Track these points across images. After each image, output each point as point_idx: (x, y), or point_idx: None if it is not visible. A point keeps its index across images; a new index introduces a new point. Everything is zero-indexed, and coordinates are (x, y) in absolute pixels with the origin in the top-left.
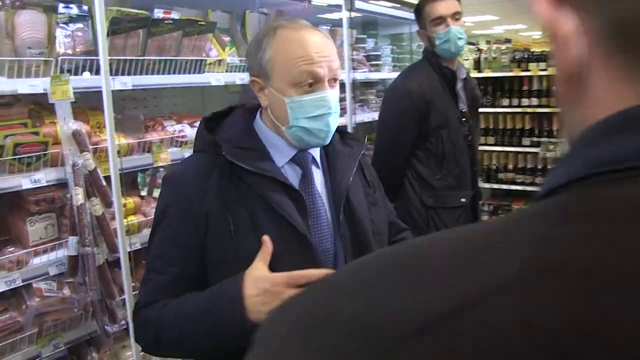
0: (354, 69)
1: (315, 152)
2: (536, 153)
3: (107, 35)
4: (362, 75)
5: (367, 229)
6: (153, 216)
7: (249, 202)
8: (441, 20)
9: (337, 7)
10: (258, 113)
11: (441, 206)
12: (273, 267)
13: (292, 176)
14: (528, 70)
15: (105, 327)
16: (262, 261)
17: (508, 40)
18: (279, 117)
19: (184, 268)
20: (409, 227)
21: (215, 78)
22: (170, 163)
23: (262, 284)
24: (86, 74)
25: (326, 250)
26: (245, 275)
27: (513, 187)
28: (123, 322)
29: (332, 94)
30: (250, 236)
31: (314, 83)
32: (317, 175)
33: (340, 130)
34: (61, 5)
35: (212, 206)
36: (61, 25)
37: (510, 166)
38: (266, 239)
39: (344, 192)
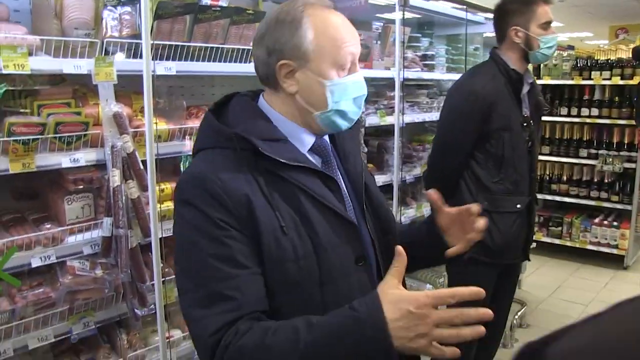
0: (405, 67)
1: (325, 137)
2: (593, 165)
3: (154, 20)
4: (414, 74)
5: (386, 210)
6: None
7: (289, 197)
8: (549, 24)
9: (391, 5)
10: (262, 101)
11: (496, 210)
12: (329, 260)
13: (317, 164)
14: (590, 79)
15: (135, 309)
16: (396, 277)
17: (571, 47)
18: (313, 102)
19: (252, 264)
20: None
21: None
22: None
23: (404, 305)
24: (119, 56)
25: (364, 236)
26: (381, 294)
27: (566, 199)
28: (152, 306)
29: (361, 75)
30: (302, 232)
31: (350, 65)
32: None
33: None
34: None
35: (258, 203)
36: (109, 7)
37: (565, 177)
38: (400, 249)
39: (360, 176)
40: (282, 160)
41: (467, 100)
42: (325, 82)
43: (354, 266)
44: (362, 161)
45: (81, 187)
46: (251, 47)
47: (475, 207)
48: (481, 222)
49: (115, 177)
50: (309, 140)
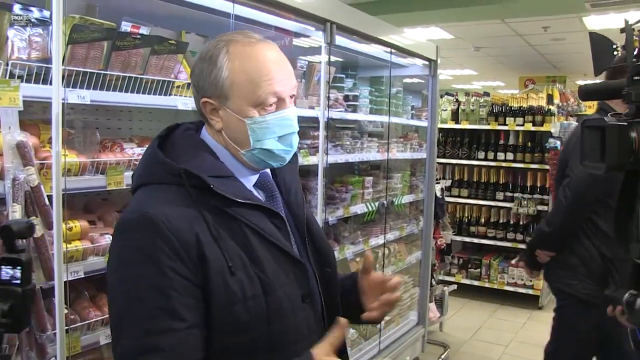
0: (330, 107)
1: (267, 170)
2: (509, 208)
3: (67, 44)
4: (338, 114)
5: (326, 243)
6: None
7: (237, 235)
8: None
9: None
10: (205, 133)
11: (617, 258)
12: (277, 299)
13: (263, 201)
14: (505, 125)
15: None
16: (331, 345)
17: (487, 94)
18: (236, 140)
19: (193, 316)
20: (583, 275)
21: (182, 102)
22: (125, 187)
23: None
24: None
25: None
26: (315, 359)
27: (484, 241)
28: (53, 359)
29: (293, 112)
30: (250, 271)
31: (276, 103)
32: None
33: None
34: (18, 6)
35: (207, 243)
36: (16, 27)
37: (483, 220)
38: (343, 321)
39: (302, 209)
40: (232, 198)
41: None
42: (245, 120)
43: (300, 304)
44: (302, 195)
45: None
46: (172, 79)
47: (395, 281)
48: (392, 296)
49: (15, 212)
50: (252, 176)
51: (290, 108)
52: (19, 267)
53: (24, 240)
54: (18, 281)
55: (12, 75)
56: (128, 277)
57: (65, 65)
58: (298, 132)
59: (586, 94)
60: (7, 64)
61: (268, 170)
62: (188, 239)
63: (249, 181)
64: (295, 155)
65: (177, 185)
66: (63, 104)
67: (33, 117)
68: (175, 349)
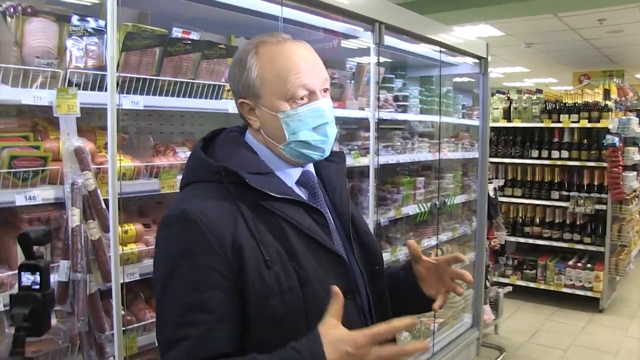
0: (379, 107)
1: (311, 168)
2: (565, 207)
3: (121, 51)
4: (388, 115)
5: (373, 242)
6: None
7: (276, 230)
8: None
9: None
10: (248, 135)
11: None
12: (315, 293)
13: (304, 197)
14: (559, 122)
15: None
16: (334, 317)
17: (539, 91)
18: (274, 136)
19: (223, 311)
20: None
21: (233, 105)
22: (178, 191)
23: (342, 346)
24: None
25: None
26: (322, 335)
27: (539, 241)
28: (112, 358)
29: (325, 103)
30: (287, 265)
31: (307, 96)
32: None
33: None
34: (75, 17)
35: (243, 238)
36: (74, 37)
37: (537, 220)
38: (337, 290)
39: (347, 208)
40: (270, 193)
41: None
42: (278, 114)
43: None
44: (347, 194)
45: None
46: (222, 83)
47: (459, 257)
48: (466, 275)
49: (74, 216)
50: (294, 173)
51: (321, 100)
52: (37, 273)
53: (42, 247)
54: (37, 286)
55: (70, 84)
56: (165, 270)
57: (119, 72)
58: (348, 133)
59: None
60: (66, 73)
61: (312, 170)
62: (224, 235)
63: (291, 178)
64: (342, 157)
65: (217, 182)
66: (118, 109)
67: (90, 124)
68: (201, 340)
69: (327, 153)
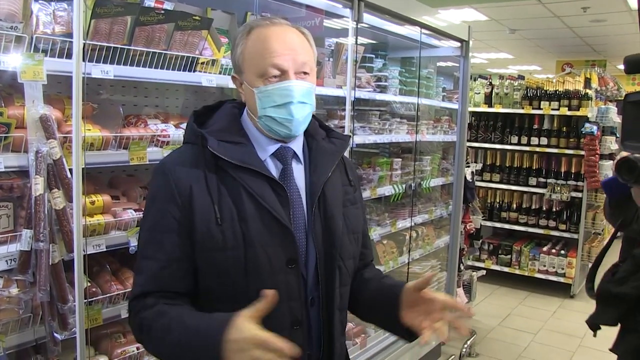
0: (358, 87)
1: (298, 147)
2: (542, 194)
3: (91, 18)
4: (366, 94)
5: (337, 225)
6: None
7: (233, 194)
8: None
9: (347, 29)
10: (245, 109)
11: None
12: (256, 255)
13: (274, 170)
14: (540, 109)
15: (54, 333)
16: (254, 312)
17: (521, 77)
18: (252, 109)
19: (175, 252)
20: None
21: (207, 78)
22: (147, 163)
23: (240, 335)
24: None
25: (300, 242)
26: (236, 319)
27: (515, 227)
28: (74, 329)
29: (297, 84)
30: (236, 226)
31: (280, 75)
32: (299, 170)
33: (328, 128)
34: None
35: (199, 194)
36: (41, 2)
37: (514, 205)
38: (269, 292)
39: (320, 186)
40: (230, 160)
41: None
42: (254, 89)
43: (284, 267)
44: (327, 174)
45: None
46: (196, 55)
47: (469, 311)
48: (462, 329)
49: (37, 184)
50: (270, 146)
51: (293, 80)
52: None
53: None
54: None
55: (36, 50)
56: (145, 209)
57: (88, 39)
58: (326, 112)
59: (631, 65)
60: (32, 38)
61: (296, 147)
62: (185, 187)
63: (266, 151)
64: (345, 140)
65: (197, 145)
66: (84, 78)
67: (61, 93)
68: (155, 275)
69: (296, 132)
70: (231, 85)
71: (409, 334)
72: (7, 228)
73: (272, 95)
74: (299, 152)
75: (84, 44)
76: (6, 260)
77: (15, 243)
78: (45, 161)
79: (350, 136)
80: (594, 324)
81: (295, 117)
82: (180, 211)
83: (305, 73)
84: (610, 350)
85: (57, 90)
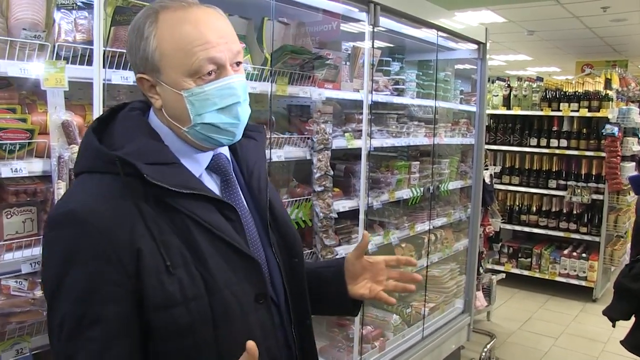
0: (375, 90)
1: (225, 150)
2: (562, 196)
3: (110, 26)
4: (383, 97)
5: (291, 228)
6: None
7: (180, 229)
8: None
9: (363, 33)
10: (152, 115)
11: None
12: (224, 300)
13: (213, 186)
14: (559, 110)
15: None
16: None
17: (540, 79)
18: (177, 117)
19: (119, 327)
20: None
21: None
22: None
23: None
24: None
25: (264, 267)
26: None
27: (535, 230)
28: None
29: (238, 80)
30: (192, 270)
31: (215, 71)
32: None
33: None
34: None
35: (142, 240)
36: (63, 10)
37: (534, 208)
38: (252, 345)
39: (265, 194)
40: (172, 189)
41: None
42: (181, 93)
43: (253, 304)
44: (266, 175)
45: (23, 199)
46: None
47: (400, 259)
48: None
49: (60, 189)
50: (203, 159)
51: (233, 75)
52: None
53: None
54: None
55: (58, 57)
56: (53, 278)
57: (108, 46)
58: (346, 117)
59: None
60: (54, 46)
61: (226, 151)
62: (119, 236)
63: (199, 165)
64: (262, 132)
65: (112, 174)
66: (104, 84)
67: (82, 99)
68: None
69: (239, 137)
70: (249, 90)
71: (354, 307)
72: (31, 232)
73: (211, 97)
74: (228, 155)
75: (104, 51)
76: (30, 263)
77: (38, 246)
78: (67, 166)
79: (262, 126)
80: (609, 316)
81: (242, 119)
82: (118, 270)
83: (238, 64)
84: (621, 342)
85: (78, 96)
